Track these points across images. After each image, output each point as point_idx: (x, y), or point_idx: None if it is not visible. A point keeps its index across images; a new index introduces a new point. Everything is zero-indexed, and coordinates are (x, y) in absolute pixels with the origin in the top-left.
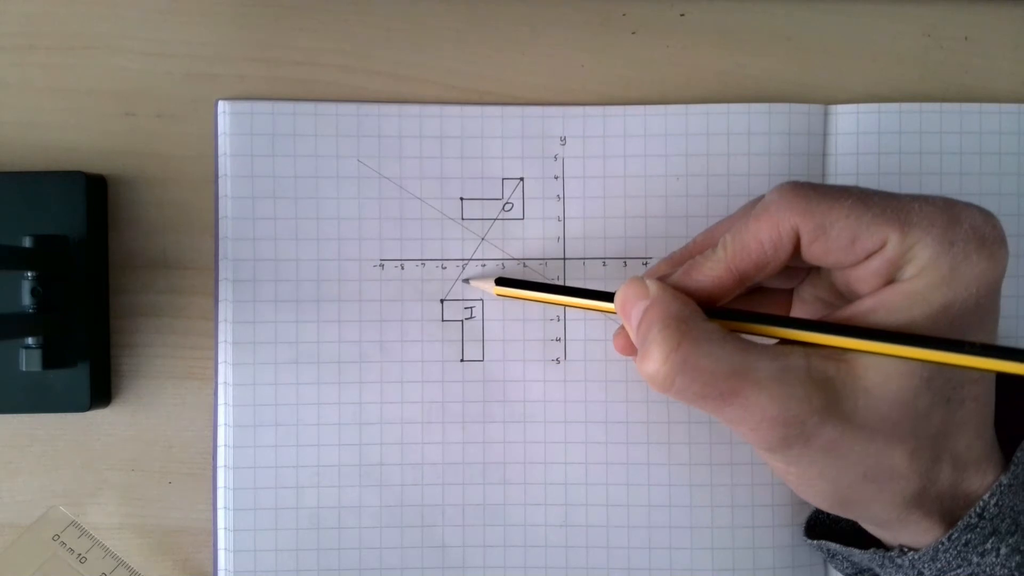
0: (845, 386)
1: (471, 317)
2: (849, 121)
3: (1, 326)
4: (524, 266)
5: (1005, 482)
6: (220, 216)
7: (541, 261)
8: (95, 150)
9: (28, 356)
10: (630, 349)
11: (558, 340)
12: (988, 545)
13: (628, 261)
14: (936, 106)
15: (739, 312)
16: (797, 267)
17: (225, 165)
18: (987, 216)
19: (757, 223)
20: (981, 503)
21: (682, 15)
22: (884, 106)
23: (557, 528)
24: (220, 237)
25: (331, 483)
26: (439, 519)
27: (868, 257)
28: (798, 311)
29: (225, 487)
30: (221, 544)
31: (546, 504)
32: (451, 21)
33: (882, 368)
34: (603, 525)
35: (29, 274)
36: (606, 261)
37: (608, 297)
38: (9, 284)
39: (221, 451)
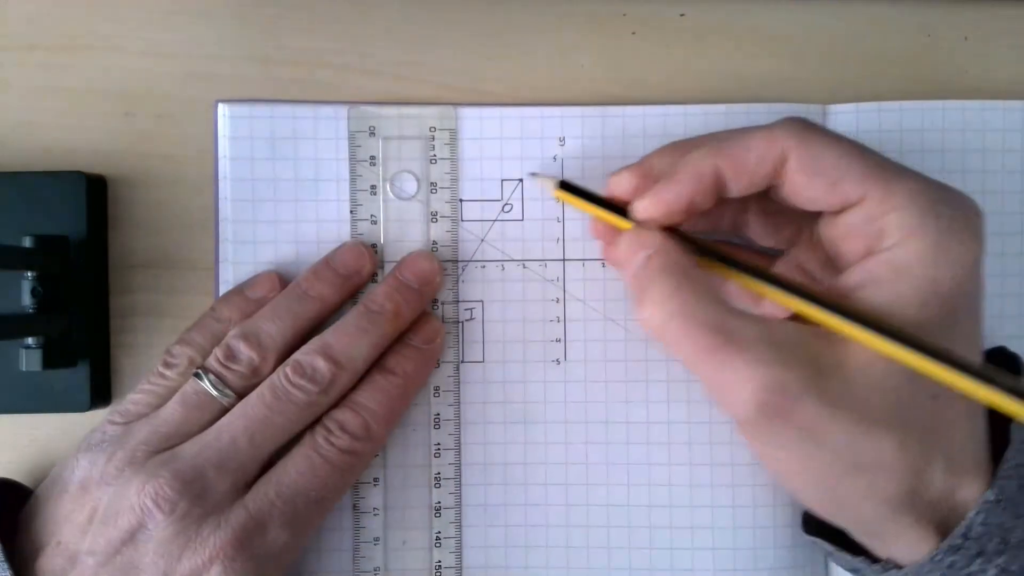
0: (829, 366)
1: (471, 318)
2: (849, 120)
3: (1, 326)
4: (524, 267)
5: (991, 497)
6: (220, 218)
7: (541, 262)
8: (95, 150)
9: (28, 356)
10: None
11: (558, 341)
12: (974, 567)
13: None
14: (938, 103)
15: (731, 258)
16: (783, 217)
17: (225, 168)
18: (971, 198)
19: (752, 134)
20: (966, 522)
21: (682, 15)
22: (885, 104)
23: (558, 528)
24: (220, 240)
25: None
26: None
27: (847, 209)
28: None
29: None
30: None
31: (547, 505)
32: (450, 21)
33: (867, 352)
34: (604, 525)
35: (29, 274)
36: (605, 263)
37: None
38: (9, 284)
39: None
